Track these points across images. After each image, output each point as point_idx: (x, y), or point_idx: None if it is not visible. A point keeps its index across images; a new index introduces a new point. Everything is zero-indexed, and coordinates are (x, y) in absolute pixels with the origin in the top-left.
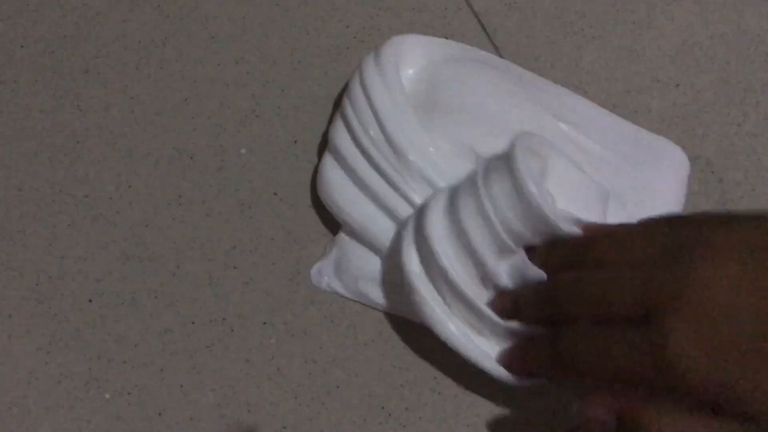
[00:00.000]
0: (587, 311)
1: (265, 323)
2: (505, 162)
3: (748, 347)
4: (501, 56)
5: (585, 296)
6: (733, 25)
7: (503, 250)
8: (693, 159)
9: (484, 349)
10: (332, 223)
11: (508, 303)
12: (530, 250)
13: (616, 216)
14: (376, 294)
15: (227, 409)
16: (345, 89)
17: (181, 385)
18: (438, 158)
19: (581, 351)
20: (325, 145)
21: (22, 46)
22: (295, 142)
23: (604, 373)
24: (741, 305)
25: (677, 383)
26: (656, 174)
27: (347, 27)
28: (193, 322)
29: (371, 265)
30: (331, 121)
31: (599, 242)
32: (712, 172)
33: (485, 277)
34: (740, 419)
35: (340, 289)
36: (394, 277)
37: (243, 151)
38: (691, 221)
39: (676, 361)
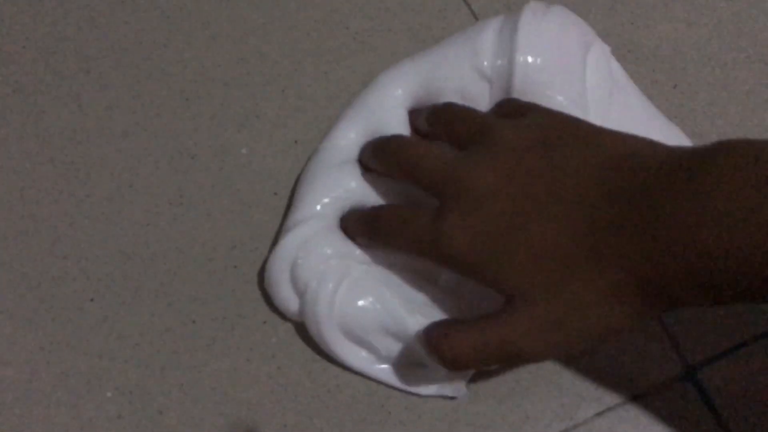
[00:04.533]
0: (403, 175)
1: (265, 322)
2: None
3: (503, 232)
4: None
5: (404, 162)
6: (732, 25)
7: None
8: None
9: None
10: None
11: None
12: None
13: None
14: None
15: (227, 408)
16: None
17: (182, 384)
18: None
19: (388, 219)
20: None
21: (23, 47)
22: (295, 142)
23: (402, 243)
24: (495, 197)
25: (447, 260)
26: None
27: (347, 28)
28: (193, 321)
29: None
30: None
31: (440, 113)
32: None
33: None
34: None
35: None
36: None
37: (243, 151)
38: (502, 108)
39: (446, 242)
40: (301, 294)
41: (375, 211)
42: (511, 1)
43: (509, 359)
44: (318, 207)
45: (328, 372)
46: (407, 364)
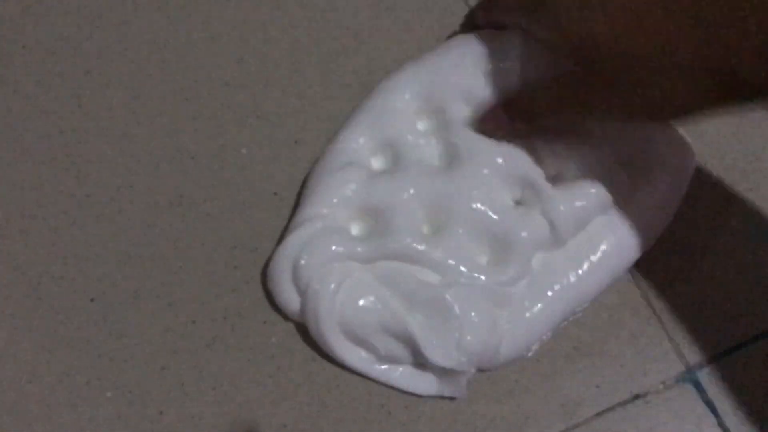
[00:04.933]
0: None
1: (265, 322)
2: None
3: None
4: None
5: None
6: None
7: None
8: None
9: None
10: None
11: None
12: None
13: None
14: None
15: (227, 408)
16: None
17: (182, 384)
18: None
19: None
20: (325, 144)
21: (23, 47)
22: (296, 142)
23: None
24: None
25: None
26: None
27: (347, 27)
28: (193, 321)
29: None
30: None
31: None
32: (711, 172)
33: None
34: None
35: None
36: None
37: (243, 151)
38: None
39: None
40: (302, 293)
41: None
42: None
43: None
44: (322, 208)
45: (328, 372)
46: (407, 364)
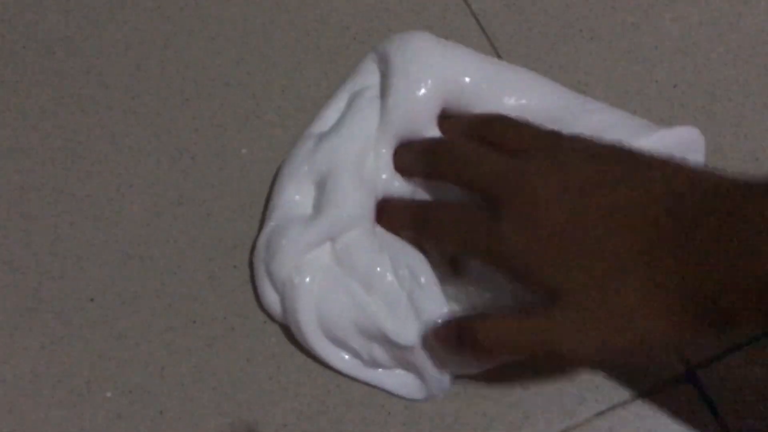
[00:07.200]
0: (452, 178)
1: (265, 322)
2: None
3: (560, 239)
4: (500, 57)
5: (454, 165)
6: (732, 25)
7: None
8: None
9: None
10: None
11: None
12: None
13: None
14: None
15: (227, 407)
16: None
17: (182, 384)
18: None
19: (440, 218)
20: None
21: (23, 47)
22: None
23: (454, 242)
24: (556, 205)
25: (502, 262)
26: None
27: (347, 28)
28: (194, 321)
29: None
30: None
31: (493, 123)
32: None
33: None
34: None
35: None
36: None
37: (244, 151)
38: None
39: (505, 245)
40: (280, 294)
41: (424, 207)
42: (511, 1)
43: (545, 352)
44: (294, 194)
45: (328, 372)
46: (393, 368)
